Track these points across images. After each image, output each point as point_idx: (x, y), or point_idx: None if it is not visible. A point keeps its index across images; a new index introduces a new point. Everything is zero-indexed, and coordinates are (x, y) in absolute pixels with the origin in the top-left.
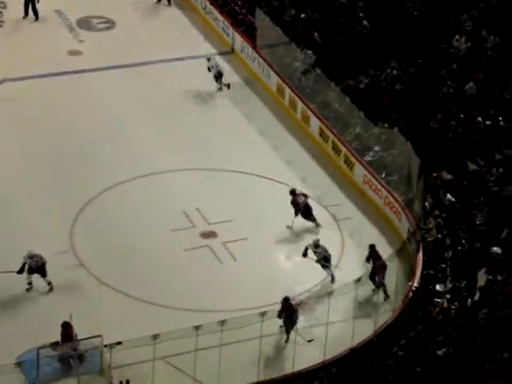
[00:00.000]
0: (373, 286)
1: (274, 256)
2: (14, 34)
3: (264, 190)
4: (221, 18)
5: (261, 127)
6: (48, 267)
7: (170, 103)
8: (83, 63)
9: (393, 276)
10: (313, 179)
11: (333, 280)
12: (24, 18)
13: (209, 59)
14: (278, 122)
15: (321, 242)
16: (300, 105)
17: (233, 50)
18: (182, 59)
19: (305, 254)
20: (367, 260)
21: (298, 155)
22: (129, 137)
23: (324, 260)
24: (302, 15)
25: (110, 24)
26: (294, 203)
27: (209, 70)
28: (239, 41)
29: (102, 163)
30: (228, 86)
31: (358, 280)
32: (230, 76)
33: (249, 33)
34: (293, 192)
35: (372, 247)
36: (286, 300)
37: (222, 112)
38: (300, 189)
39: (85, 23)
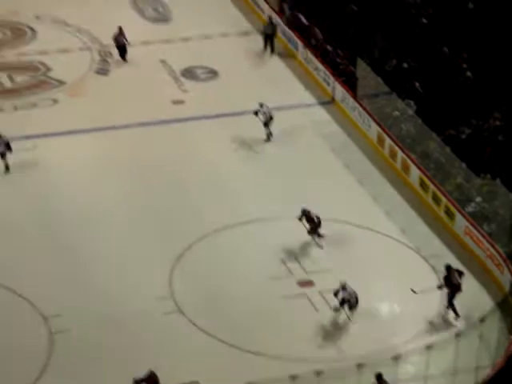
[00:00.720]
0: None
1: (372, 306)
2: (120, 83)
3: (362, 240)
4: (322, 67)
5: (360, 176)
6: (148, 313)
7: (269, 150)
8: (186, 112)
9: (493, 330)
10: (412, 229)
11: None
12: (124, 60)
13: (261, 105)
14: (378, 171)
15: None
16: (400, 154)
17: (333, 100)
18: (282, 108)
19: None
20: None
21: (398, 205)
22: (227, 184)
23: (348, 303)
24: (404, 65)
25: (213, 74)
26: (310, 219)
27: (255, 114)
28: (340, 90)
29: (201, 209)
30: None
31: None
32: (329, 125)
33: (349, 83)
34: (305, 211)
35: (448, 268)
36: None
37: (321, 160)
38: (399, 239)
39: (189, 73)
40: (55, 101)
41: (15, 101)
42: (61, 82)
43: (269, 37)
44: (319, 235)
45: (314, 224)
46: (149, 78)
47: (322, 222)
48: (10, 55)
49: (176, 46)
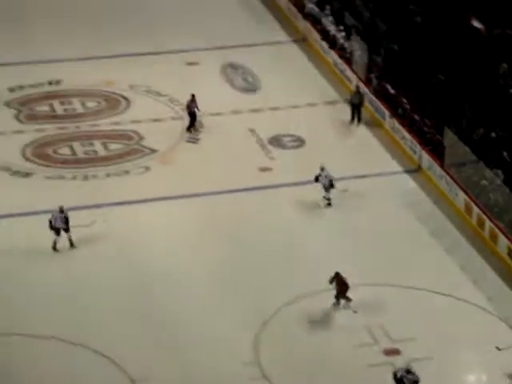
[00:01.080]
0: None
1: (461, 379)
2: (209, 151)
3: (448, 308)
4: (409, 136)
5: (447, 245)
6: (234, 378)
7: (358, 217)
8: (273, 179)
9: None
10: (499, 299)
11: None
12: (192, 127)
13: (322, 169)
14: (465, 239)
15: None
16: (488, 223)
17: (420, 168)
18: (368, 176)
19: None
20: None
21: (484, 273)
22: (313, 248)
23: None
24: (492, 134)
25: (300, 142)
26: (341, 283)
27: (316, 179)
28: (426, 159)
29: (288, 274)
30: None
31: None
32: (416, 193)
33: (437, 151)
34: (337, 274)
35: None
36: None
37: (407, 228)
38: (486, 308)
39: (276, 141)
40: (147, 168)
41: (108, 168)
42: (153, 151)
43: (356, 106)
44: (348, 299)
45: (344, 287)
46: (237, 146)
47: (409, 291)
48: (105, 124)
49: (264, 115)
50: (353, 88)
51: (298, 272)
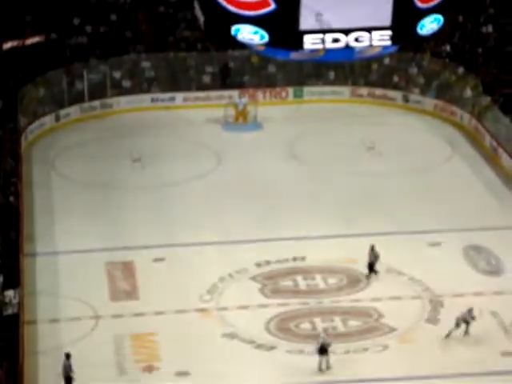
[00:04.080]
0: None
1: None
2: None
3: None
4: None
5: None
6: None
7: None
8: None
9: None
10: None
11: None
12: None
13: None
14: None
15: None
16: None
17: None
18: None
19: None
20: None
21: None
22: None
23: None
24: None
25: None
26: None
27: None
28: None
29: None
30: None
31: None
32: None
33: None
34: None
35: None
36: None
37: None
38: None
39: None
40: (385, 347)
41: (347, 344)
42: (392, 329)
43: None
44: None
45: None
46: (477, 329)
47: None
48: (346, 301)
49: (508, 298)
50: None
51: None
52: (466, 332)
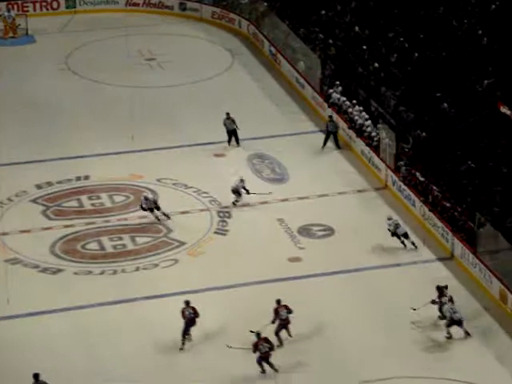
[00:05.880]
0: None
1: None
2: (238, 242)
3: None
4: (440, 224)
5: (482, 332)
6: None
7: (390, 311)
8: (302, 270)
9: None
10: None
11: None
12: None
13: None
14: (500, 327)
15: None
16: None
17: (452, 256)
18: (400, 265)
19: None
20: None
21: None
22: (345, 344)
23: None
24: None
25: (329, 231)
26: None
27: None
28: (459, 247)
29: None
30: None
31: None
32: (448, 281)
33: (469, 239)
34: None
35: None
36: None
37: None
38: None
39: (305, 230)
40: (176, 260)
41: (137, 261)
42: (181, 243)
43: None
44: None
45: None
46: (266, 237)
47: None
48: (133, 217)
49: (292, 205)
50: (383, 178)
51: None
52: None
